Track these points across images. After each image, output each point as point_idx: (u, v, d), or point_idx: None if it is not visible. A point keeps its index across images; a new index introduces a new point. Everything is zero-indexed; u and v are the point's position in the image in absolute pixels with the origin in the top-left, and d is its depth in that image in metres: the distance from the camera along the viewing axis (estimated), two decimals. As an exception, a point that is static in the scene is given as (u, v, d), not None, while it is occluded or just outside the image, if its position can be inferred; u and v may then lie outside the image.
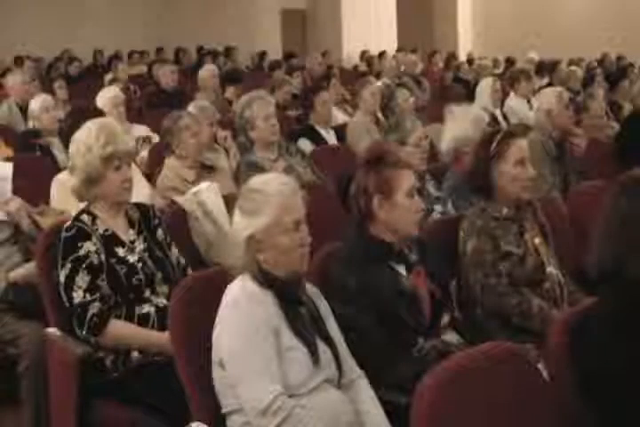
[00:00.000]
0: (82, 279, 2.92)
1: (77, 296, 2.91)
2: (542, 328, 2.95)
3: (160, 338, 2.88)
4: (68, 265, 2.94)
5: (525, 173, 3.26)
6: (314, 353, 2.39)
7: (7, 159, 4.73)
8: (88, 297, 2.91)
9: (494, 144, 3.27)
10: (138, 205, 3.23)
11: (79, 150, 3.06)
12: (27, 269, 3.50)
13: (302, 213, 2.45)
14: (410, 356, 2.68)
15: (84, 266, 2.94)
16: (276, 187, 2.44)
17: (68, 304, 2.95)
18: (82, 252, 2.96)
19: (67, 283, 2.94)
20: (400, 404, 2.38)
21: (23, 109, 6.92)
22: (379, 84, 7.75)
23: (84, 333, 2.91)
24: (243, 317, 2.35)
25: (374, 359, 2.58)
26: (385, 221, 2.81)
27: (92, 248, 2.98)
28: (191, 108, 5.36)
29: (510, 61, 13.23)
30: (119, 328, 2.92)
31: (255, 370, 2.30)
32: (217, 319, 2.42)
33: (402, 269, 2.84)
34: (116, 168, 3.05)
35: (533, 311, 3.09)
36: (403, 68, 11.67)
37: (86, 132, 3.08)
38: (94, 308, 2.90)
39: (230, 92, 8.10)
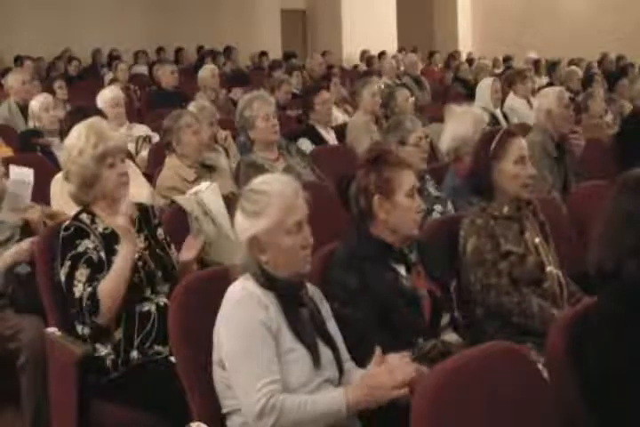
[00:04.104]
0: (81, 273, 2.92)
1: (77, 290, 2.91)
2: (542, 327, 2.95)
3: (123, 256, 2.93)
4: (68, 263, 2.95)
5: (525, 171, 3.26)
6: (314, 354, 2.39)
7: (7, 159, 4.72)
8: (86, 287, 2.91)
9: (494, 143, 3.27)
10: (137, 205, 3.23)
11: (71, 155, 3.07)
12: (15, 248, 3.52)
13: (305, 214, 2.44)
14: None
15: (82, 260, 2.94)
16: (278, 188, 2.43)
17: (71, 301, 2.94)
18: (80, 249, 2.96)
19: (68, 280, 2.94)
20: (400, 404, 2.37)
21: (23, 109, 6.92)
22: (380, 84, 7.73)
23: (87, 320, 2.91)
24: (242, 318, 2.35)
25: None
26: (385, 221, 2.81)
27: (91, 245, 2.98)
28: (191, 107, 5.36)
29: (507, 59, 13.21)
30: (103, 288, 2.89)
31: (251, 373, 2.28)
32: (217, 319, 2.41)
33: (402, 270, 2.84)
34: (110, 165, 3.05)
35: (534, 311, 3.09)
36: (402, 68, 11.67)
37: (75, 136, 3.09)
38: (87, 293, 2.89)
39: (237, 93, 8.06)
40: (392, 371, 2.30)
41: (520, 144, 3.30)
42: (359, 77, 8.83)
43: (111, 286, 2.91)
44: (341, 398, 2.29)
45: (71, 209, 3.32)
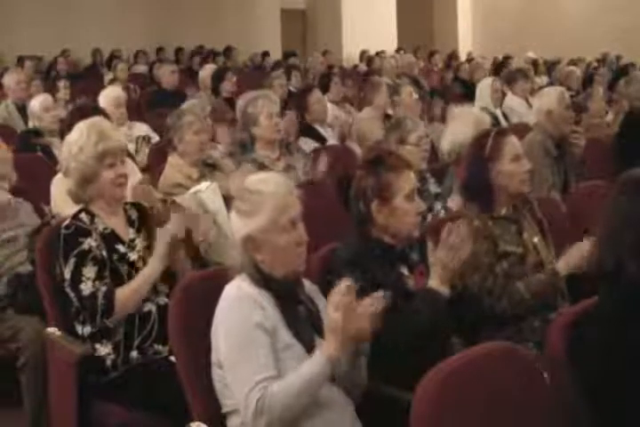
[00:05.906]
0: (89, 271, 2.92)
1: (87, 288, 2.91)
2: (534, 298, 3.06)
3: (149, 271, 2.97)
4: (73, 260, 2.94)
5: (521, 167, 3.25)
6: (312, 351, 2.38)
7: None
8: (97, 285, 2.91)
9: (488, 145, 3.25)
10: (136, 205, 3.24)
11: (72, 152, 3.07)
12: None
13: (298, 211, 2.44)
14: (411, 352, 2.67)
15: (89, 258, 2.94)
16: (271, 187, 2.43)
17: (76, 299, 2.93)
18: (85, 246, 2.96)
19: (73, 277, 2.93)
20: (401, 401, 2.37)
21: (20, 109, 6.92)
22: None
23: (97, 318, 2.91)
24: (237, 319, 2.34)
25: (373, 355, 2.57)
26: (384, 224, 2.80)
27: (94, 244, 2.98)
28: (184, 106, 5.35)
29: (507, 59, 13.20)
30: (121, 295, 2.93)
31: (245, 373, 2.28)
32: (214, 320, 2.41)
33: (404, 269, 2.83)
34: (110, 165, 3.05)
35: (523, 296, 3.07)
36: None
37: (77, 133, 3.09)
38: (102, 291, 2.90)
39: (225, 89, 7.93)
40: (352, 310, 2.27)
41: (512, 142, 3.28)
42: (359, 77, 8.80)
43: (134, 288, 2.94)
44: (318, 355, 2.29)
45: (71, 209, 3.31)
